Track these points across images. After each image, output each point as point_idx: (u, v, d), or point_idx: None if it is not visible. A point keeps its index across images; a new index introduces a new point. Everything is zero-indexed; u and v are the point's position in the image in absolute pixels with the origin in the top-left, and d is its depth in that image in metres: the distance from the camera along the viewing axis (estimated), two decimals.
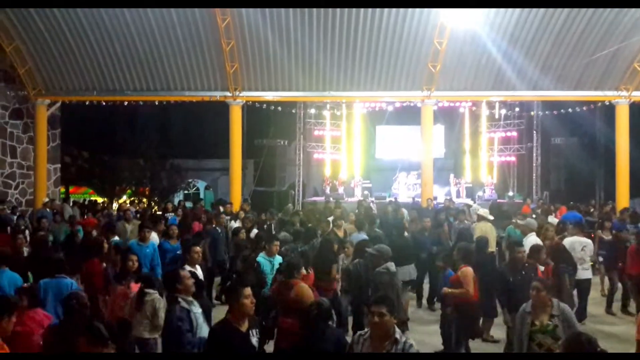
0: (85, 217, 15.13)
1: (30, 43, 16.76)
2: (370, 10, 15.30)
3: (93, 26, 16.15)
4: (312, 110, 24.03)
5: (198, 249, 7.26)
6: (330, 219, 11.71)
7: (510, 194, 22.83)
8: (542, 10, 15.12)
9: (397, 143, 25.62)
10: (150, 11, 15.58)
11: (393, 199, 21.04)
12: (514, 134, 25.15)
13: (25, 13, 15.87)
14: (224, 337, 4.32)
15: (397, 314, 6.85)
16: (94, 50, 16.85)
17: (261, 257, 7.82)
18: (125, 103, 19.00)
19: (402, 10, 15.28)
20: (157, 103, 19.24)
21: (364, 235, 9.49)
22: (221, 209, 14.35)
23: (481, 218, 11.21)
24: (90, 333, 3.86)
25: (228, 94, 17.54)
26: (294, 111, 23.08)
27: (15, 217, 14.26)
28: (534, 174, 24.82)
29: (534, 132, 24.89)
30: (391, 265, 6.92)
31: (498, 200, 19.89)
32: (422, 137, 18.42)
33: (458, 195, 21.76)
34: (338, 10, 15.34)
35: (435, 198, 19.14)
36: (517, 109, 24.01)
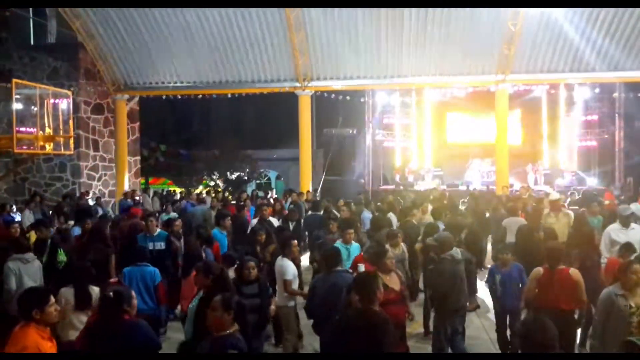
0: (164, 207, 15.69)
1: (110, 41, 17.58)
2: None
3: (168, 24, 16.76)
4: (382, 98, 23.81)
5: (295, 242, 7.16)
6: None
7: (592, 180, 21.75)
8: None
9: (470, 129, 24.94)
10: (222, 7, 15.91)
11: (466, 187, 20.62)
12: (595, 117, 23.84)
13: (104, 13, 16.65)
14: None
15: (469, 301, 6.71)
16: (169, 47, 17.47)
17: (339, 244, 7.77)
18: (200, 97, 19.59)
19: None
20: (229, 96, 19.70)
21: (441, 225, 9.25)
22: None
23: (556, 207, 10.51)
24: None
25: (297, 84, 17.70)
26: (362, 100, 22.95)
27: (98, 208, 15.09)
28: (617, 160, 23.44)
29: (616, 115, 23.46)
30: (456, 253, 6.67)
31: (577, 188, 18.99)
32: (497, 123, 17.83)
33: (536, 183, 20.96)
34: None
35: (511, 185, 18.56)
36: (597, 91, 22.73)
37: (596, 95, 22.99)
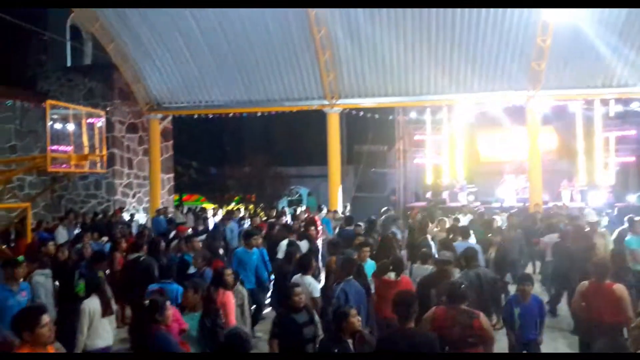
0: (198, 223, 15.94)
1: (143, 62, 18.09)
2: (467, 11, 14.88)
3: (200, 46, 17.19)
4: (412, 115, 23.70)
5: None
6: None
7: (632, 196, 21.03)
8: None
9: (503, 145, 24.57)
10: (250, 27, 16.26)
11: (499, 204, 20.27)
12: (632, 132, 23.16)
13: (139, 34, 17.16)
14: None
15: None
16: (200, 67, 17.87)
17: None
18: (230, 115, 19.91)
19: (500, 9, 14.69)
20: (259, 114, 19.94)
21: (470, 244, 9.12)
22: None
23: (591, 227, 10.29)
24: None
25: (325, 102, 17.82)
26: (391, 117, 22.91)
27: (133, 225, 15.43)
28: None
29: None
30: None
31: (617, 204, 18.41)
32: (529, 139, 17.54)
33: (572, 200, 20.44)
34: (434, 11, 15.07)
35: (545, 202, 18.16)
36: (633, 105, 22.07)
37: (633, 109, 22.35)
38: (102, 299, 5.82)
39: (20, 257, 7.62)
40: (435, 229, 10.99)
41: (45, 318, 4.04)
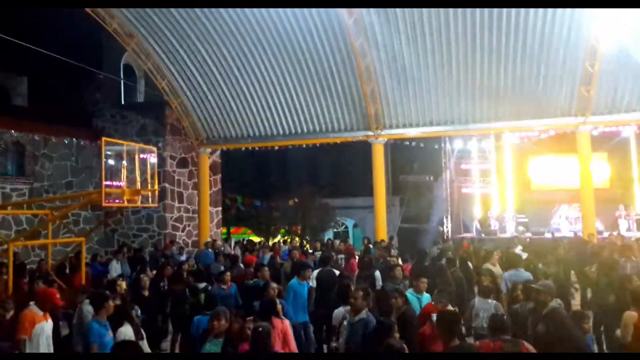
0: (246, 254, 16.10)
1: (193, 98, 18.67)
2: (512, 36, 14.78)
3: (246, 80, 17.62)
4: (458, 144, 23.47)
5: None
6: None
7: None
8: None
9: (554, 173, 23.93)
10: (295, 60, 16.61)
11: (551, 234, 19.66)
12: None
13: (188, 72, 17.79)
14: None
15: None
16: (248, 101, 18.32)
17: (409, 293, 7.63)
18: (276, 148, 20.20)
19: (546, 34, 14.53)
20: (304, 146, 20.15)
21: (522, 274, 8.90)
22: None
23: None
24: None
25: (370, 133, 17.89)
26: (436, 146, 22.73)
27: (181, 257, 15.68)
28: None
29: None
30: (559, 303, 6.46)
31: None
32: (580, 167, 17.04)
33: (629, 229, 19.64)
34: (478, 39, 15.03)
35: (600, 232, 17.52)
36: None
37: None
38: (133, 326, 6.32)
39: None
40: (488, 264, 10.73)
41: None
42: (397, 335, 5.18)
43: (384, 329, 5.30)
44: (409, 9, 14.50)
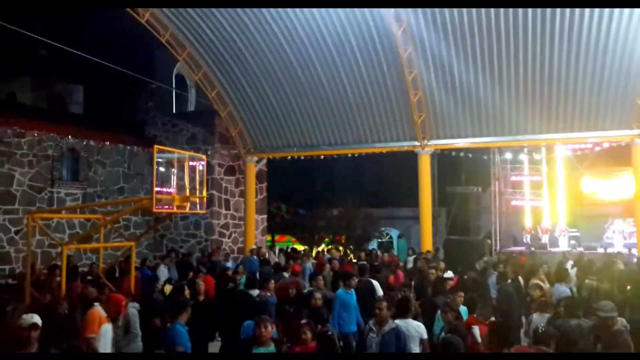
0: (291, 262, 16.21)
1: (241, 108, 18.97)
2: (565, 44, 14.40)
3: (293, 89, 17.81)
4: (508, 155, 22.94)
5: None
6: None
7: None
8: None
9: (608, 186, 23.07)
10: (342, 70, 16.66)
11: (604, 249, 18.98)
12: None
13: (237, 82, 18.11)
14: None
15: None
16: (294, 110, 18.47)
17: None
18: (322, 157, 20.26)
19: (601, 42, 14.10)
20: (350, 155, 20.15)
21: (565, 289, 8.71)
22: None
23: None
24: None
25: (416, 143, 17.73)
26: (485, 157, 22.27)
27: (227, 264, 15.89)
28: None
29: None
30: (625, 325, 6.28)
31: None
32: (635, 179, 16.41)
33: None
34: (530, 46, 14.73)
35: None
36: None
37: None
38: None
39: None
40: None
41: None
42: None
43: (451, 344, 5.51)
44: (459, 18, 14.33)
